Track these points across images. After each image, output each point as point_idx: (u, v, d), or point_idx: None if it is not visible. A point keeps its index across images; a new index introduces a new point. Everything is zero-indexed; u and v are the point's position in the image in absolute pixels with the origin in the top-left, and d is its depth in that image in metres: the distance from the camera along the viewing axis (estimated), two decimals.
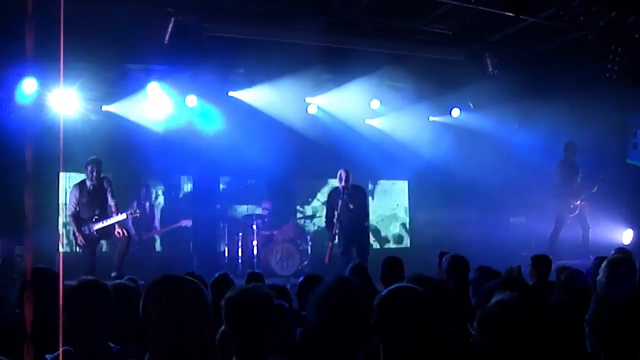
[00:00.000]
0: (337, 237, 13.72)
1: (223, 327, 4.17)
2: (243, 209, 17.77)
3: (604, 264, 6.15)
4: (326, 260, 13.71)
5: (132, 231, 14.72)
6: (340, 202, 13.49)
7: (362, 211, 13.92)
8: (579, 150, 15.14)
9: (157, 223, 15.59)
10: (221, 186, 17.98)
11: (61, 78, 13.03)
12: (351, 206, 13.49)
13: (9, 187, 12.33)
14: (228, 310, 3.90)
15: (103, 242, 13.91)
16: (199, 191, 17.56)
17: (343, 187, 13.60)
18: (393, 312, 3.74)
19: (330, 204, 14.04)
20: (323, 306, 4.10)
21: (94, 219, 12.66)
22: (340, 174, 13.61)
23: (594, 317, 3.91)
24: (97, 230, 12.68)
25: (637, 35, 12.61)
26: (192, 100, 15.40)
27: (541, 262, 8.51)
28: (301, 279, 6.79)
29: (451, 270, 7.70)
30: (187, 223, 15.80)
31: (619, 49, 13.35)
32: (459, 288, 7.34)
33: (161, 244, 16.44)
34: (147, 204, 15.54)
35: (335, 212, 13.55)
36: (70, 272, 6.18)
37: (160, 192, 17.23)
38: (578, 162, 15.19)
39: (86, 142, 13.40)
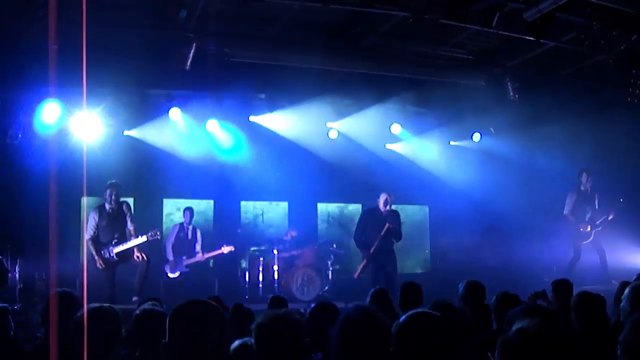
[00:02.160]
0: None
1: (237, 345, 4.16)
2: (263, 233, 17.78)
3: (626, 291, 6.10)
4: (355, 276, 13.92)
5: (171, 257, 14.77)
6: (383, 225, 13.56)
7: (398, 236, 13.95)
8: (598, 175, 15.04)
9: (198, 247, 15.49)
10: (242, 210, 17.98)
11: (84, 102, 13.11)
12: (391, 228, 13.58)
13: (32, 212, 12.42)
14: (259, 335, 3.90)
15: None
16: (220, 215, 17.58)
17: (386, 211, 13.75)
18: (411, 339, 3.72)
19: (364, 223, 14.10)
20: (344, 334, 4.10)
21: (113, 242, 12.69)
22: (387, 198, 13.75)
23: (629, 340, 3.87)
24: (117, 254, 12.70)
25: None
26: (213, 125, 15.44)
27: (562, 286, 8.44)
28: (312, 305, 6.73)
29: (467, 296, 7.65)
30: (229, 249, 15.69)
31: None
32: (477, 314, 7.28)
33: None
34: (190, 227, 15.46)
35: (371, 233, 13.66)
36: (91, 297, 6.19)
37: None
38: (596, 188, 15.08)
39: (108, 166, 13.45)
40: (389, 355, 3.79)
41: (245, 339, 4.38)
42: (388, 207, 13.77)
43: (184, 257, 15.10)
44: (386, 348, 3.82)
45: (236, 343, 4.42)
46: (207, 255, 15.50)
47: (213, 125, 15.49)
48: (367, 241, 13.76)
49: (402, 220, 14.22)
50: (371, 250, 13.58)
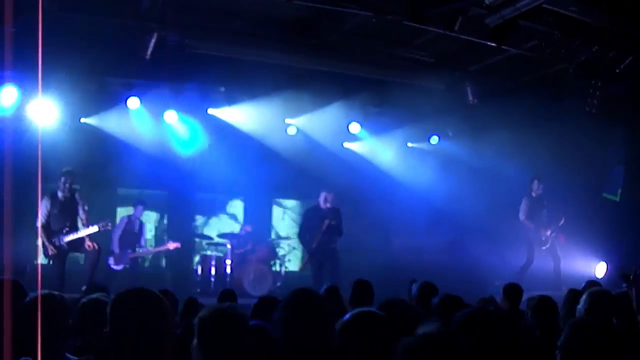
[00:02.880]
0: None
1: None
2: (218, 227, 17.74)
3: (585, 295, 6.17)
4: (298, 269, 15.18)
5: (117, 250, 14.63)
6: (324, 222, 14.16)
7: (339, 233, 14.47)
8: (554, 182, 15.20)
9: (143, 241, 15.38)
10: (197, 203, 17.92)
11: (40, 88, 12.95)
12: (332, 224, 14.22)
13: None
14: (201, 329, 3.86)
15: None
16: (175, 208, 17.49)
17: (327, 208, 14.35)
18: (353, 337, 3.72)
19: (307, 222, 14.65)
20: (285, 317, 4.10)
21: (64, 231, 12.57)
22: (326, 196, 14.34)
23: (567, 343, 3.90)
24: (67, 243, 12.58)
25: (617, 71, 12.70)
26: (171, 116, 15.35)
27: (512, 290, 8.52)
28: (255, 301, 6.72)
29: (421, 296, 7.68)
30: (175, 245, 15.63)
31: (599, 84, 13.44)
32: (428, 315, 7.30)
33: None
34: (137, 222, 15.33)
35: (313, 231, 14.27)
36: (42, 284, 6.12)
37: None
38: (552, 195, 15.24)
39: (63, 153, 13.29)
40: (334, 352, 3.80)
41: None
42: (328, 205, 14.37)
43: (129, 250, 14.97)
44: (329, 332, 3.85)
45: None
46: (152, 250, 15.44)
47: (171, 116, 15.38)
48: (310, 238, 14.37)
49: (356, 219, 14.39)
50: (313, 246, 14.21)
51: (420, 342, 3.36)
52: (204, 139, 16.23)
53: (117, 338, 3.46)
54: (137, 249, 15.14)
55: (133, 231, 15.10)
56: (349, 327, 3.78)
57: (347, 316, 3.86)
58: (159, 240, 16.56)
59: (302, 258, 15.13)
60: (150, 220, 17.26)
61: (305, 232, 14.69)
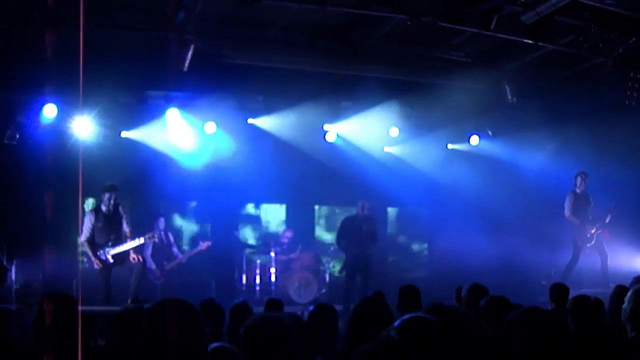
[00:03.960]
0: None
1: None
2: (261, 235, 17.80)
3: (629, 294, 6.07)
4: (337, 273, 15.88)
5: (153, 266, 14.68)
6: (358, 229, 14.65)
7: (372, 239, 14.94)
8: (596, 178, 15.02)
9: (175, 250, 15.49)
10: (239, 212, 17.98)
11: (81, 104, 13.08)
12: (368, 231, 14.79)
13: (29, 213, 12.39)
14: (247, 338, 3.85)
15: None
16: (217, 217, 17.55)
17: (363, 215, 14.87)
18: (406, 342, 3.68)
19: (344, 229, 15.12)
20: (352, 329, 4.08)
21: (109, 244, 12.67)
22: (363, 204, 14.89)
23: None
24: (112, 256, 12.68)
25: None
26: (211, 127, 15.41)
27: (558, 289, 8.45)
28: (311, 308, 6.71)
29: (471, 300, 7.61)
30: (207, 244, 15.71)
31: (638, 76, 13.29)
32: (477, 317, 7.24)
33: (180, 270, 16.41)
34: (163, 234, 15.40)
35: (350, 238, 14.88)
36: (87, 298, 6.17)
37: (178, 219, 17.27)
38: (595, 191, 15.06)
39: (105, 168, 13.37)
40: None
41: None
42: (366, 212, 14.94)
43: (165, 263, 15.04)
44: None
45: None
46: (187, 255, 15.52)
47: (211, 127, 15.43)
48: (346, 244, 15.00)
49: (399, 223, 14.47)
50: (348, 252, 14.99)
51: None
52: (244, 149, 16.27)
53: (149, 349, 3.46)
54: (172, 260, 15.22)
55: (162, 244, 15.13)
56: (402, 334, 3.73)
57: (398, 322, 3.82)
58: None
59: (342, 263, 15.53)
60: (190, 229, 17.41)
61: (341, 239, 15.14)
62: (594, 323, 6.42)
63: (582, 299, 6.61)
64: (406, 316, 3.89)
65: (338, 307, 7.35)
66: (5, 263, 9.51)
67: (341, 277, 16.15)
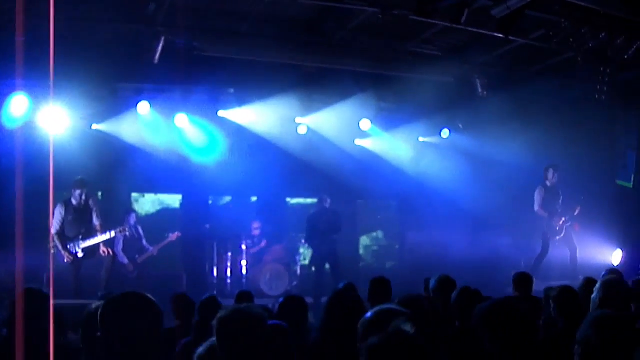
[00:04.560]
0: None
1: (208, 343, 4.11)
2: (232, 229, 17.78)
3: (598, 285, 6.12)
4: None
5: (125, 260, 14.60)
6: (321, 223, 15.18)
7: (336, 231, 15.34)
8: (567, 171, 15.13)
9: (145, 243, 15.47)
10: (210, 205, 17.95)
11: (51, 95, 13.00)
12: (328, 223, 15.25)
13: None
14: (220, 330, 3.86)
15: None
16: (187, 210, 17.53)
17: (324, 209, 15.46)
18: (377, 334, 3.68)
19: (310, 225, 15.48)
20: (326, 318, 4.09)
21: (80, 237, 12.63)
22: (324, 198, 15.49)
23: (586, 337, 3.85)
24: (83, 249, 12.64)
25: (626, 57, 12.65)
26: (182, 119, 15.36)
27: (522, 279, 8.52)
28: (281, 300, 6.73)
29: (439, 290, 7.65)
30: (176, 235, 15.71)
31: (608, 70, 13.40)
32: (447, 308, 7.29)
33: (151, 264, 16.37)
34: (134, 229, 15.35)
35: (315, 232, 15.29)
36: (57, 292, 6.14)
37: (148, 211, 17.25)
38: (566, 184, 15.17)
39: (75, 160, 13.32)
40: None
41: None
42: (326, 205, 15.60)
43: (137, 256, 14.99)
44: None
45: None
46: (157, 247, 15.49)
47: (182, 119, 15.39)
48: (313, 239, 15.48)
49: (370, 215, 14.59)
50: (313, 242, 15.45)
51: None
52: (215, 141, 16.25)
53: (110, 343, 3.46)
54: (143, 252, 15.20)
55: (133, 238, 15.08)
56: (373, 325, 3.75)
57: (370, 314, 3.83)
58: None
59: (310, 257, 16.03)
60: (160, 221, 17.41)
61: (308, 234, 15.65)
62: (581, 314, 6.48)
63: (569, 290, 6.65)
64: (378, 307, 3.90)
65: (309, 300, 7.39)
66: None
67: (311, 270, 16.24)
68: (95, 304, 5.12)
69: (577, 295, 6.63)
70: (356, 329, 4.00)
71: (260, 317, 3.94)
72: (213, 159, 16.14)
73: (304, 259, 17.40)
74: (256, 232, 16.61)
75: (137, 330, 3.43)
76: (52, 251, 12.65)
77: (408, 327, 3.48)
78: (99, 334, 3.53)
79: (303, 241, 16.94)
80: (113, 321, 3.47)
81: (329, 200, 15.53)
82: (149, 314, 3.52)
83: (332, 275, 14.76)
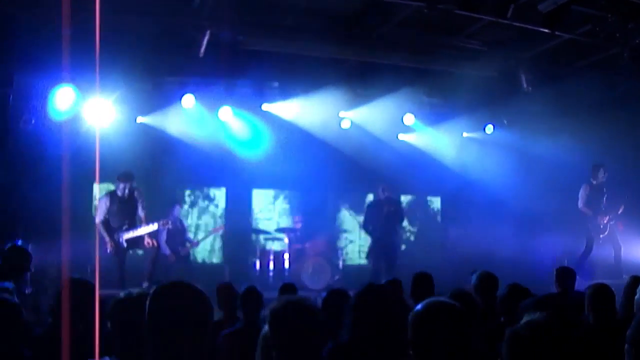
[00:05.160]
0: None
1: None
2: (276, 221, 17.86)
3: None
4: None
5: (167, 251, 14.72)
6: (380, 213, 14.94)
7: (399, 219, 15.39)
8: (610, 169, 14.97)
9: (189, 236, 15.61)
10: (254, 199, 18.02)
11: (97, 88, 13.12)
12: (391, 211, 15.04)
13: (44, 197, 12.44)
14: (274, 320, 3.88)
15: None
16: (231, 203, 17.62)
17: (385, 197, 15.13)
18: (430, 327, 3.68)
19: (369, 214, 15.34)
20: (355, 315, 4.09)
21: (123, 228, 12.76)
22: (383, 187, 15.19)
23: (637, 337, 3.80)
24: (126, 240, 12.76)
25: None
26: (226, 112, 15.43)
27: (564, 274, 8.47)
28: (324, 294, 6.74)
29: (480, 287, 7.62)
30: (220, 228, 15.87)
31: None
32: (489, 305, 7.26)
33: (194, 255, 16.49)
34: (178, 221, 15.48)
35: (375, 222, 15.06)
36: (101, 282, 6.20)
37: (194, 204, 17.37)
38: (608, 182, 15.01)
39: (120, 153, 13.43)
40: (402, 339, 3.77)
41: None
42: (387, 194, 15.18)
43: (180, 248, 15.13)
44: (399, 329, 3.81)
45: None
46: (201, 240, 15.63)
47: (226, 112, 15.46)
48: (372, 228, 15.16)
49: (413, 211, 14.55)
50: (375, 235, 15.08)
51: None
52: (259, 135, 16.31)
53: (155, 334, 3.45)
54: (186, 245, 15.33)
55: (177, 230, 15.21)
56: (425, 318, 3.73)
57: (420, 306, 3.82)
58: None
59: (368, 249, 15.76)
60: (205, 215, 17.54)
61: (368, 223, 15.34)
62: (612, 313, 6.42)
63: (603, 288, 6.59)
64: (429, 300, 3.88)
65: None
66: (29, 250, 9.55)
67: (355, 264, 16.26)
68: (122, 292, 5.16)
69: (611, 294, 6.57)
70: (390, 327, 4.02)
71: (315, 309, 3.95)
72: (257, 152, 16.20)
73: (347, 254, 17.41)
74: (298, 226, 16.65)
75: (186, 320, 3.43)
76: (97, 241, 12.80)
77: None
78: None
79: (346, 236, 16.97)
80: (161, 309, 3.46)
81: (385, 187, 15.33)
82: (198, 303, 3.51)
83: (385, 270, 14.35)
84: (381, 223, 14.88)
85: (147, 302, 3.48)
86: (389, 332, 4.08)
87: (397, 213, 15.25)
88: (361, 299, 4.44)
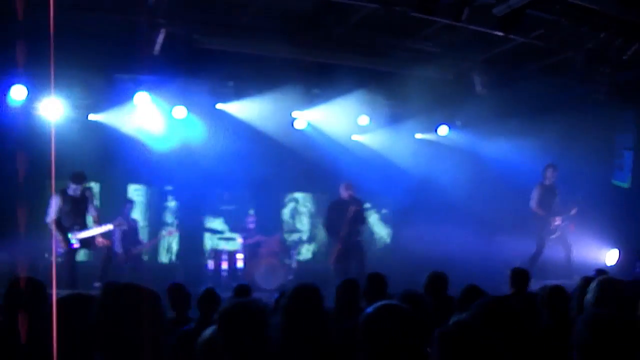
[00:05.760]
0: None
1: (208, 333, 4.13)
2: (228, 221, 17.82)
3: (593, 284, 6.12)
4: (330, 262, 14.68)
5: (120, 250, 14.64)
6: (345, 212, 14.37)
7: (363, 220, 14.93)
8: (563, 170, 15.15)
9: (140, 237, 15.54)
10: (207, 198, 17.96)
11: (51, 85, 12.99)
12: (357, 211, 14.51)
13: None
14: (223, 322, 3.88)
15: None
16: (183, 202, 17.54)
17: (349, 196, 14.50)
18: (379, 330, 3.69)
19: (332, 214, 14.75)
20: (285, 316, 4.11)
21: (75, 228, 12.63)
22: (346, 185, 14.54)
23: (582, 339, 3.82)
24: (79, 240, 12.65)
25: (624, 57, 12.66)
26: (180, 111, 15.35)
27: (519, 275, 8.55)
28: (276, 296, 6.75)
29: (430, 286, 7.67)
30: (172, 232, 15.84)
31: (607, 70, 13.42)
32: (439, 305, 7.29)
33: (146, 255, 16.41)
34: (130, 219, 15.41)
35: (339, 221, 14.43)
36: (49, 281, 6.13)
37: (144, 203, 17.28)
38: (562, 183, 15.19)
39: (73, 150, 13.28)
40: (357, 347, 3.79)
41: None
42: (350, 192, 14.48)
43: (131, 248, 15.06)
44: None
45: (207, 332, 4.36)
46: (152, 242, 15.57)
47: (180, 111, 15.38)
48: (337, 229, 14.45)
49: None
50: (341, 234, 14.31)
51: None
52: (212, 134, 16.25)
53: (105, 335, 3.43)
54: (137, 246, 15.27)
55: (130, 229, 15.15)
56: (374, 321, 3.75)
57: (370, 309, 3.83)
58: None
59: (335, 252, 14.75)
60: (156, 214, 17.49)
61: (330, 224, 14.81)
62: (566, 313, 6.49)
63: (559, 290, 6.66)
64: (380, 303, 3.90)
65: None
66: None
67: (307, 263, 16.24)
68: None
69: (565, 295, 6.64)
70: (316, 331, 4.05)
71: (264, 311, 3.96)
72: (210, 151, 16.14)
73: (299, 254, 17.43)
74: (251, 226, 16.63)
75: (138, 321, 3.41)
76: (53, 240, 12.67)
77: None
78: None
79: (299, 236, 16.95)
80: (114, 311, 3.44)
81: (350, 185, 14.59)
82: (150, 303, 3.49)
83: (357, 272, 13.41)
84: (347, 223, 14.33)
85: (99, 304, 3.47)
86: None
87: (361, 213, 14.82)
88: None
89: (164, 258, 17.33)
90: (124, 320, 3.40)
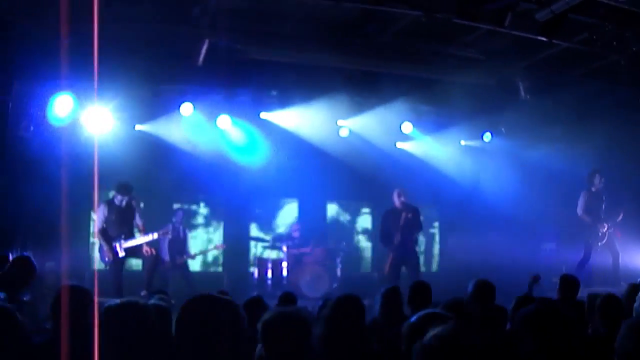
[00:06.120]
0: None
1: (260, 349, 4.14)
2: (274, 230, 17.87)
3: None
4: (385, 271, 14.21)
5: (167, 257, 14.76)
6: (398, 220, 14.05)
7: (418, 227, 14.49)
8: (609, 176, 14.98)
9: (189, 248, 15.64)
10: (252, 207, 18.03)
11: (96, 96, 13.12)
12: (409, 217, 14.08)
13: (43, 204, 12.44)
14: (264, 332, 3.88)
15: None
16: (230, 212, 17.62)
17: (402, 203, 14.19)
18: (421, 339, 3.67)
19: (385, 222, 14.45)
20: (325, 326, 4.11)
21: (122, 237, 12.74)
22: (398, 192, 14.21)
23: (624, 345, 3.78)
24: (125, 249, 12.76)
25: None
26: (224, 121, 15.43)
27: (568, 281, 8.45)
28: (320, 303, 6.75)
29: (476, 295, 7.61)
30: (221, 246, 15.94)
31: None
32: (486, 314, 7.24)
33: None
34: (181, 228, 15.52)
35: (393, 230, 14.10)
36: (99, 290, 6.20)
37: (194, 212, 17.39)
38: (608, 189, 15.03)
39: (119, 161, 13.42)
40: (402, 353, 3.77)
41: None
42: (403, 199, 14.14)
43: (177, 257, 15.15)
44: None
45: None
46: (198, 254, 15.69)
47: (224, 121, 15.46)
48: (391, 237, 14.14)
49: None
50: (394, 242, 13.99)
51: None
52: (257, 143, 16.32)
53: (184, 348, 3.44)
54: (184, 254, 15.36)
55: (179, 238, 15.26)
56: (417, 330, 3.73)
57: (414, 318, 3.81)
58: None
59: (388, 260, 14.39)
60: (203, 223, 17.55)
61: (384, 233, 14.50)
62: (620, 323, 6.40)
63: (614, 299, 6.55)
64: (422, 312, 3.89)
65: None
66: (33, 260, 9.54)
67: (351, 273, 16.20)
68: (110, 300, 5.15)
69: (621, 304, 6.54)
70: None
71: (306, 321, 3.95)
72: (255, 161, 16.20)
73: (345, 262, 17.41)
74: (296, 234, 16.66)
75: (216, 332, 3.42)
76: (96, 249, 12.79)
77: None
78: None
79: (344, 243, 16.94)
80: (192, 322, 3.45)
81: (402, 192, 14.26)
82: (229, 314, 3.51)
83: (412, 280, 13.37)
84: (400, 231, 14.01)
85: (177, 316, 3.49)
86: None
87: (416, 220, 14.32)
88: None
89: (210, 266, 17.42)
90: (205, 333, 3.41)
